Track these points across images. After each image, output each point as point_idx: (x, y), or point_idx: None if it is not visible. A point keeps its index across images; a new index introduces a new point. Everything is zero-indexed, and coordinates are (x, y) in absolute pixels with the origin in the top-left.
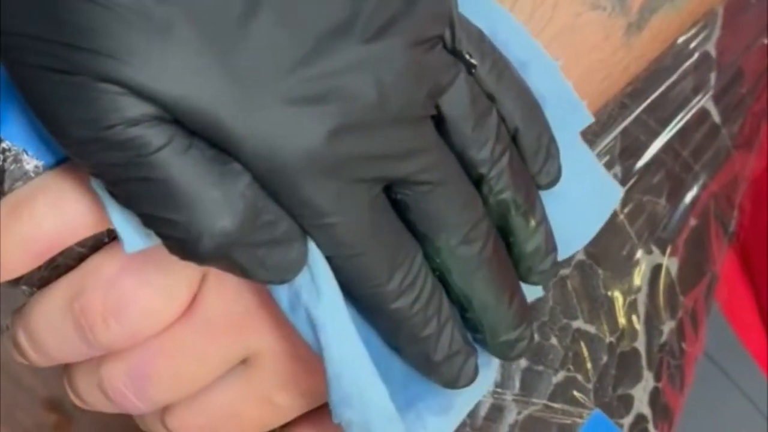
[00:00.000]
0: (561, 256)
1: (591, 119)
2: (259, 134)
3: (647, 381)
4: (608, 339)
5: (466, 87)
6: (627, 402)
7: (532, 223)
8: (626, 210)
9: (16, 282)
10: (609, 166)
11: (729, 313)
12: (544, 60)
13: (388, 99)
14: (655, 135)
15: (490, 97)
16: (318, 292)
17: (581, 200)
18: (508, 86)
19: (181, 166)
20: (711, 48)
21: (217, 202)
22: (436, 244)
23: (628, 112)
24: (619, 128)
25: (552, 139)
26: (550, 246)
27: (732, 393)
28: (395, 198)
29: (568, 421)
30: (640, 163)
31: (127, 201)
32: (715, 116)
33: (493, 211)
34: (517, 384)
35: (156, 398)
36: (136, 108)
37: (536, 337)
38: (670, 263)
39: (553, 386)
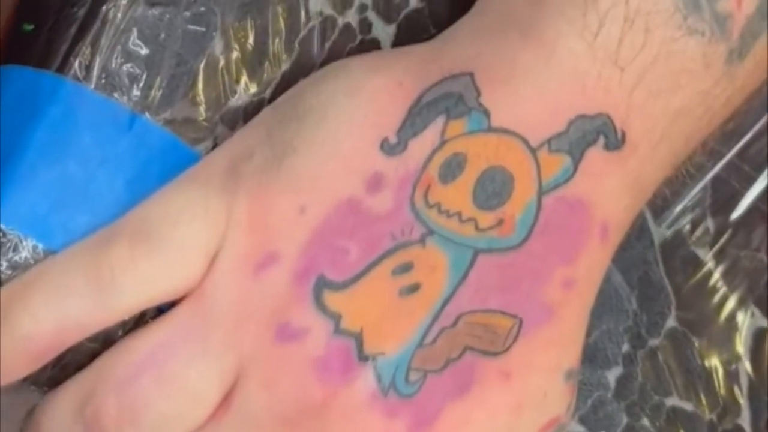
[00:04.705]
0: None
1: None
2: None
3: None
4: (708, 416)
5: None
6: None
7: None
8: (721, 268)
9: (23, 381)
10: (700, 219)
11: None
12: None
13: None
14: (751, 181)
15: None
16: None
17: None
18: None
19: None
20: None
21: None
22: None
23: (719, 157)
24: (709, 176)
25: None
26: None
27: None
28: None
29: None
30: (735, 215)
31: None
32: None
33: None
34: None
35: None
36: None
37: (625, 418)
38: None
39: None
